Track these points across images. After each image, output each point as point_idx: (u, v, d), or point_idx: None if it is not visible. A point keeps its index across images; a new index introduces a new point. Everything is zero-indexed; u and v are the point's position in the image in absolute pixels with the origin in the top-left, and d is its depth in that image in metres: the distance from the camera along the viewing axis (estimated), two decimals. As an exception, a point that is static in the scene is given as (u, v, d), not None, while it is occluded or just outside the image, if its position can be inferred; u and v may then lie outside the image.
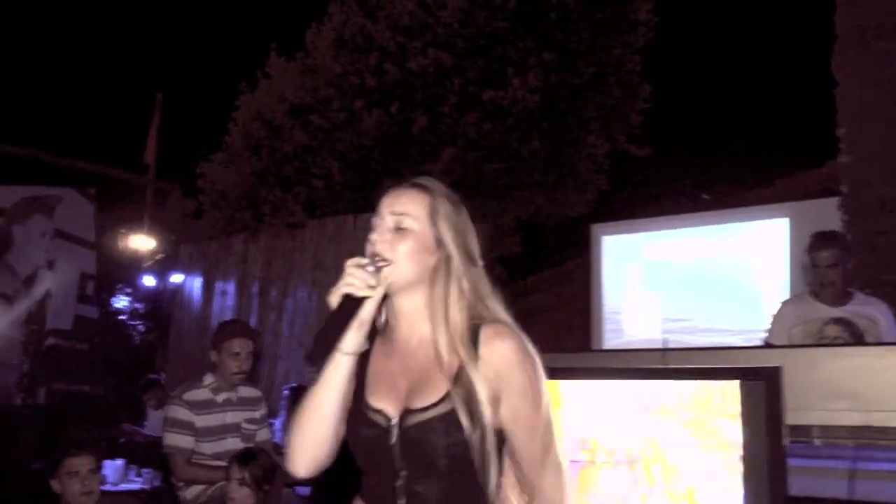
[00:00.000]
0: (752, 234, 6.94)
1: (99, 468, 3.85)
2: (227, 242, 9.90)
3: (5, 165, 9.62)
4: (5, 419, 7.73)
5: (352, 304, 1.75)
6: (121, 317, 10.14)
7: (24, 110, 12.28)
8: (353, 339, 1.76)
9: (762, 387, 2.55)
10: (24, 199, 8.22)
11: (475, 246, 1.89)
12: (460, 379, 1.77)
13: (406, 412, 1.78)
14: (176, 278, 10.11)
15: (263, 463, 3.71)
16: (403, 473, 1.76)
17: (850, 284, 4.25)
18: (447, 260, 1.84)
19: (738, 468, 2.52)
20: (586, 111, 10.40)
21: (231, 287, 9.62)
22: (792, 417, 2.58)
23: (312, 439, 1.77)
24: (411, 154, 9.28)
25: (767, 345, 4.26)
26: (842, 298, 4.20)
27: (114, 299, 10.04)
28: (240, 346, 4.44)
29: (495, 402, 1.77)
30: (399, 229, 1.82)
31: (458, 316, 1.82)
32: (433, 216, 1.84)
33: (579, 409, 2.83)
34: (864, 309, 4.18)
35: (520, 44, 9.90)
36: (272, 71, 10.50)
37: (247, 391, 4.60)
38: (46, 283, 8.14)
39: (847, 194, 5.96)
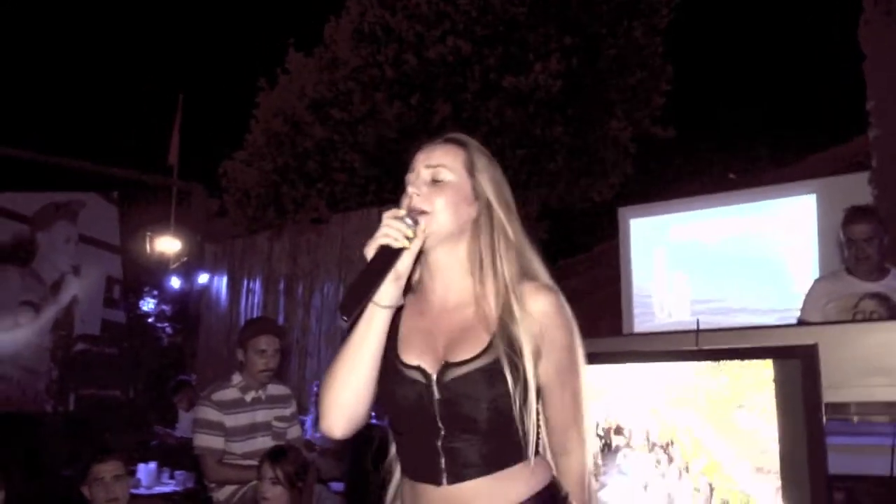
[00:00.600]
0: (779, 212, 6.82)
1: (130, 473, 3.82)
2: (251, 240, 9.87)
3: (27, 172, 9.66)
4: (36, 426, 7.75)
5: (388, 256, 1.68)
6: (148, 319, 10.13)
7: (46, 116, 12.33)
8: (389, 291, 1.69)
9: (798, 365, 2.49)
10: (47, 206, 8.23)
11: (512, 200, 1.84)
12: (503, 330, 1.71)
13: (445, 366, 1.71)
14: (202, 278, 10.10)
15: (295, 460, 3.65)
16: (443, 431, 1.70)
17: (885, 259, 4.14)
18: (488, 210, 1.79)
19: (767, 450, 2.46)
20: (609, 95, 10.26)
21: (257, 285, 9.58)
22: (828, 395, 2.50)
23: (347, 396, 1.71)
24: (434, 144, 9.16)
25: (801, 322, 4.14)
26: (878, 273, 4.08)
27: (141, 302, 10.03)
28: (266, 343, 4.38)
29: (537, 356, 1.72)
30: (436, 181, 1.77)
31: (508, 266, 1.77)
32: (470, 167, 1.80)
33: (611, 393, 2.79)
34: (901, 283, 4.07)
35: (540, 29, 9.77)
36: (291, 66, 10.45)
37: (276, 389, 4.55)
38: (73, 288, 8.15)
39: (877, 168, 5.84)
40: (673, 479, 2.68)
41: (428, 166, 1.78)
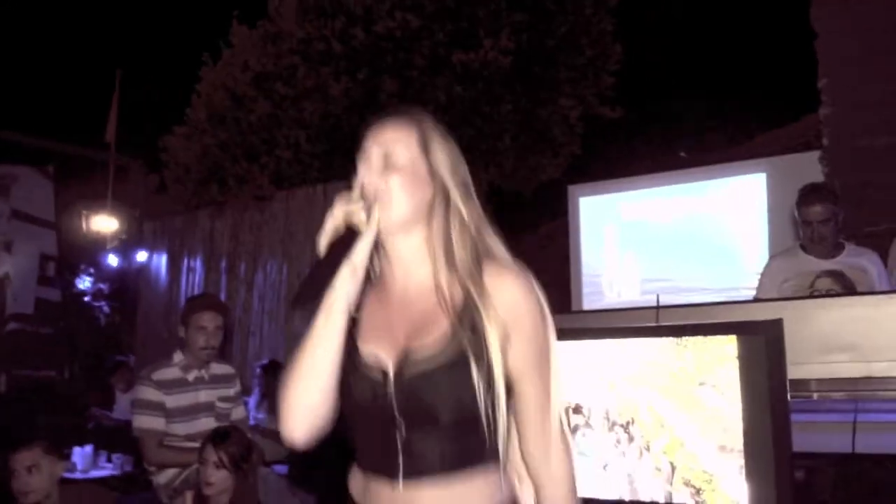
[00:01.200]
0: (729, 191, 6.86)
1: (62, 458, 3.64)
2: (192, 217, 9.66)
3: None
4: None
5: (341, 247, 1.57)
6: (85, 298, 9.86)
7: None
8: (345, 285, 1.56)
9: (762, 341, 2.44)
10: (-23, 179, 7.94)
11: (469, 177, 1.70)
12: (466, 319, 1.57)
13: (404, 359, 1.58)
14: (141, 256, 9.86)
15: (239, 442, 3.50)
16: (402, 429, 1.56)
17: (839, 235, 4.14)
18: (444, 192, 1.65)
19: (729, 428, 2.41)
20: (558, 73, 10.19)
21: (198, 263, 9.40)
22: (789, 372, 2.46)
23: (308, 401, 1.57)
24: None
25: (759, 300, 4.12)
26: (833, 250, 4.09)
27: (77, 280, 9.75)
28: (207, 319, 4.23)
29: (505, 345, 1.58)
30: (388, 164, 1.64)
31: (462, 252, 1.62)
32: (425, 145, 1.66)
33: (569, 371, 2.68)
34: (856, 260, 4.07)
35: (490, 4, 9.63)
36: (235, 40, 10.17)
37: (219, 368, 4.41)
38: (4, 265, 7.91)
39: (828, 147, 5.86)
40: (633, 459, 2.63)
41: (379, 147, 1.66)
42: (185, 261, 9.55)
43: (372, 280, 1.72)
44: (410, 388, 1.56)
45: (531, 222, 10.09)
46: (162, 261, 9.75)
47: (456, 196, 1.66)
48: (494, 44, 9.43)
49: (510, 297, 1.60)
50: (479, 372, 1.54)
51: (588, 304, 7.31)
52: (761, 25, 11.04)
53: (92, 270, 9.88)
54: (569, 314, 4.75)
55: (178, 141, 10.10)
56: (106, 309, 9.99)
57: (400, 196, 1.62)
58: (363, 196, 1.62)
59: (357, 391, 1.61)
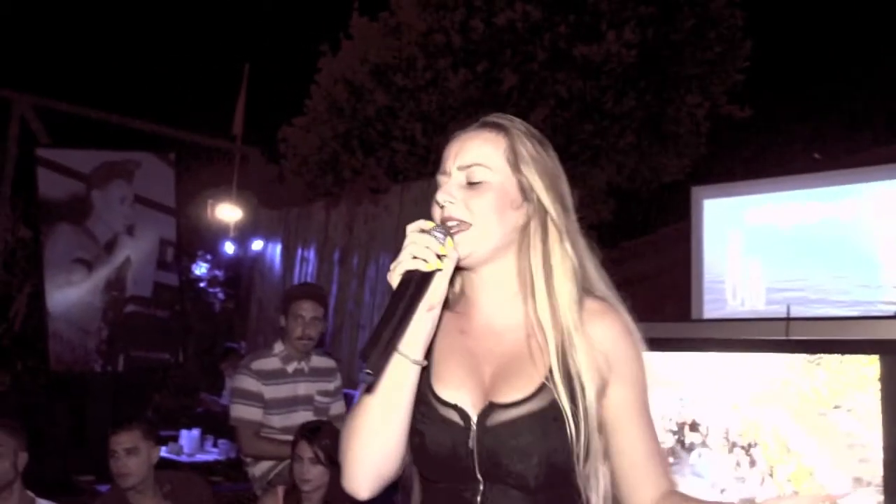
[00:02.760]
0: (868, 197, 6.40)
1: (160, 442, 3.62)
2: (308, 208, 9.72)
3: (86, 129, 9.60)
4: (84, 386, 7.71)
5: (416, 283, 1.32)
6: (200, 284, 10.06)
7: (109, 75, 12.30)
8: (418, 334, 1.33)
9: (907, 362, 2.16)
10: (103, 164, 8.12)
11: (569, 193, 1.46)
12: (561, 364, 1.36)
13: (490, 407, 1.37)
14: (256, 245, 10.00)
15: (331, 434, 3.37)
16: (482, 486, 1.37)
17: None
18: (541, 213, 1.42)
19: (867, 458, 2.13)
20: (685, 69, 9.83)
21: (311, 254, 9.45)
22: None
23: (372, 457, 1.39)
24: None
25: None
26: None
27: (193, 266, 9.96)
28: (305, 308, 4.12)
29: (601, 394, 1.38)
30: (472, 184, 1.41)
31: (565, 285, 1.39)
32: (514, 160, 1.42)
33: (686, 384, 2.50)
34: None
35: (614, -5, 9.40)
36: (355, 31, 10.20)
37: (320, 361, 4.32)
38: (126, 249, 8.04)
39: None
40: (754, 485, 2.39)
41: (461, 166, 1.44)
42: (300, 251, 9.62)
43: (450, 305, 1.51)
44: (494, 443, 1.37)
45: (649, 224, 9.76)
46: (277, 250, 9.86)
47: (554, 218, 1.43)
48: (618, 37, 9.16)
49: (611, 340, 1.41)
50: (576, 430, 1.35)
51: (709, 311, 6.96)
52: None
53: (209, 257, 10.07)
54: (689, 322, 4.48)
55: (296, 132, 10.22)
56: (220, 295, 10.18)
57: (486, 221, 1.41)
58: (442, 221, 1.41)
59: (432, 441, 1.40)
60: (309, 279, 9.32)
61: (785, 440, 2.34)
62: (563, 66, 9.21)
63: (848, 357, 2.26)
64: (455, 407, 1.40)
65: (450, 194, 1.42)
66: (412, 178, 9.11)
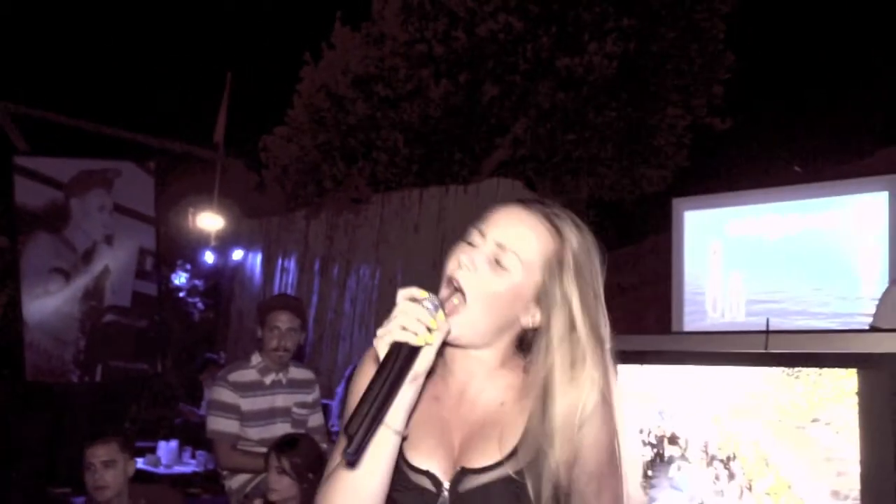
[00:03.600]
0: (847, 210, 6.43)
1: (129, 459, 3.57)
2: (288, 218, 9.69)
3: (64, 137, 9.53)
4: (61, 397, 7.63)
5: (404, 356, 1.28)
6: (180, 294, 10.00)
7: (89, 83, 12.23)
8: (402, 405, 1.30)
9: (886, 377, 2.15)
10: (82, 173, 8.06)
11: (601, 312, 1.40)
12: (533, 432, 1.33)
13: (461, 472, 1.35)
14: (237, 255, 9.95)
15: (306, 450, 3.37)
16: None
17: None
18: (548, 323, 1.36)
19: (845, 472, 2.12)
20: (666, 81, 9.86)
21: (292, 264, 9.41)
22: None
23: None
24: (480, 125, 8.86)
25: (881, 329, 3.76)
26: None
27: (173, 276, 9.89)
28: (280, 319, 4.08)
29: (571, 463, 1.34)
30: (497, 264, 1.35)
31: (559, 405, 1.36)
32: (553, 270, 1.37)
33: (666, 397, 2.48)
34: None
35: (596, 8, 9.38)
36: (337, 41, 10.19)
37: (298, 373, 4.27)
38: (105, 258, 7.98)
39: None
40: (733, 498, 2.37)
41: (499, 242, 1.38)
42: (280, 261, 9.59)
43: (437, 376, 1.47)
44: (467, 502, 1.34)
45: (631, 235, 9.78)
46: (257, 260, 9.82)
47: (561, 330, 1.37)
48: (600, 48, 9.17)
49: (588, 412, 1.35)
50: (540, 492, 1.32)
51: (689, 323, 6.96)
52: (883, 33, 10.46)
53: (189, 267, 10.01)
54: (669, 335, 4.48)
55: (277, 141, 10.19)
56: (200, 305, 10.11)
57: (483, 306, 1.37)
58: (449, 280, 1.38)
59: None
60: (289, 289, 9.28)
61: (764, 453, 2.33)
62: (544, 77, 9.22)
63: (826, 370, 2.25)
64: (427, 473, 1.38)
65: (473, 262, 1.37)
66: (393, 188, 9.10)
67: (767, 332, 2.67)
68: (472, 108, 9.07)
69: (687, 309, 7.09)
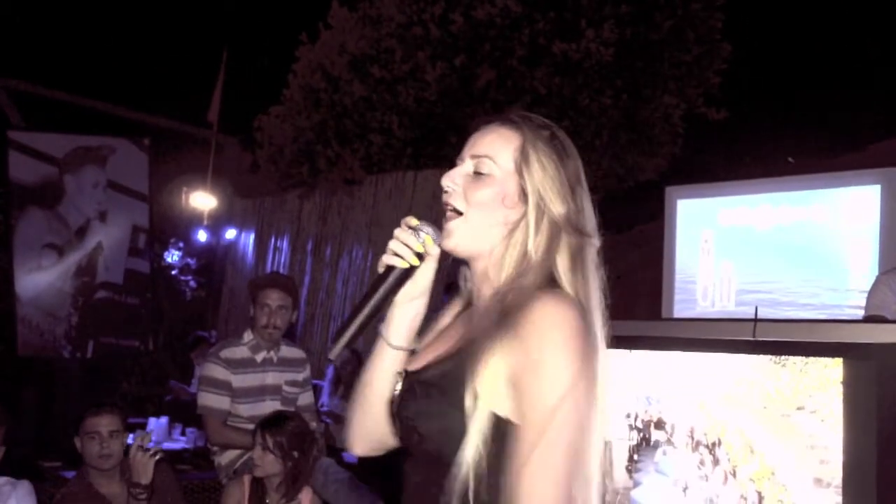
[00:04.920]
0: (839, 202, 6.46)
1: (128, 429, 3.64)
2: (281, 198, 9.70)
3: (60, 113, 9.50)
4: (52, 372, 7.64)
5: (395, 277, 1.46)
6: (172, 272, 10.01)
7: (85, 59, 12.16)
8: (400, 322, 1.48)
9: (872, 367, 2.17)
10: (77, 149, 8.03)
11: (582, 206, 1.46)
12: (479, 339, 1.34)
13: (407, 372, 1.47)
14: (230, 234, 9.95)
15: (293, 428, 3.43)
16: (407, 454, 1.46)
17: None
18: (535, 216, 1.42)
19: (828, 460, 2.14)
20: (662, 69, 9.83)
21: (285, 244, 9.43)
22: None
23: (366, 425, 1.56)
24: (476, 109, 8.83)
25: (876, 319, 3.79)
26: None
27: (165, 254, 9.90)
28: (271, 297, 4.13)
29: (513, 385, 1.31)
30: (478, 174, 1.45)
31: (527, 281, 1.38)
32: (522, 161, 1.44)
33: (653, 383, 2.52)
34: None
35: (594, -6, 9.37)
36: (334, 21, 10.14)
37: (289, 351, 4.32)
38: (98, 235, 7.96)
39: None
40: (717, 484, 2.40)
41: (473, 155, 1.49)
42: (273, 240, 9.61)
43: (470, 301, 1.58)
44: (401, 402, 1.46)
45: (623, 222, 9.78)
46: (250, 239, 9.83)
47: (547, 221, 1.44)
48: (597, 35, 9.13)
49: (530, 322, 1.32)
50: (462, 396, 1.31)
51: (679, 311, 7.00)
52: (878, 24, 10.46)
53: (181, 245, 10.01)
54: (658, 321, 4.51)
55: (272, 121, 10.15)
56: (192, 284, 10.13)
57: (476, 213, 1.46)
58: (443, 205, 1.49)
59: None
60: (281, 269, 9.31)
61: (749, 440, 2.35)
62: (541, 62, 9.20)
63: (812, 359, 2.28)
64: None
65: (453, 181, 1.49)
66: (387, 170, 9.09)
67: (756, 320, 2.70)
68: (468, 92, 9.05)
69: (677, 297, 7.13)
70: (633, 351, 2.59)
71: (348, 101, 9.52)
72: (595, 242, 1.49)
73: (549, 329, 1.31)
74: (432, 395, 1.38)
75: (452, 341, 1.47)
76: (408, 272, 1.44)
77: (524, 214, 1.45)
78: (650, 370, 2.53)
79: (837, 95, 10.09)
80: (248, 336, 4.19)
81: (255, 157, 10.65)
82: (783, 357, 2.33)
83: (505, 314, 1.35)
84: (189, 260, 10.06)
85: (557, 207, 1.44)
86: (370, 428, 1.54)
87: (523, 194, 1.45)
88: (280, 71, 10.52)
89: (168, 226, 9.80)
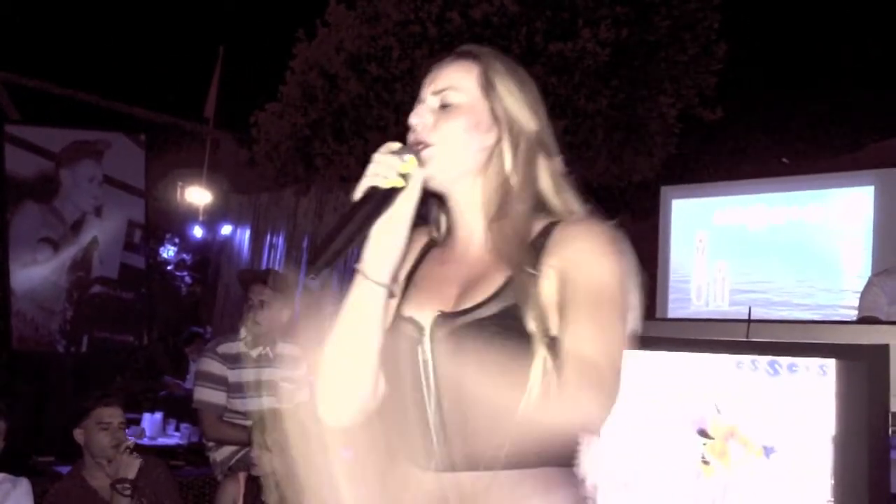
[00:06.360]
0: (833, 203, 6.49)
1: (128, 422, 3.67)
2: (278, 194, 9.68)
3: (56, 107, 9.49)
4: (46, 366, 7.63)
5: (377, 199, 1.35)
6: (167, 267, 10.00)
7: (81, 53, 12.15)
8: (380, 255, 1.36)
9: (864, 367, 2.19)
10: (73, 143, 8.01)
11: (547, 125, 1.47)
12: (520, 276, 1.35)
13: (440, 317, 1.36)
14: (225, 230, 9.95)
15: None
16: (434, 399, 1.36)
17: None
18: (510, 136, 1.42)
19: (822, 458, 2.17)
20: (658, 69, 9.85)
21: (280, 240, 9.41)
22: (892, 404, 2.25)
23: (344, 382, 1.39)
24: (472, 108, 8.84)
25: (868, 320, 3.82)
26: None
27: (161, 249, 9.89)
28: (254, 292, 4.15)
29: (561, 307, 1.33)
30: (444, 106, 1.42)
31: (520, 206, 1.40)
32: (486, 84, 1.44)
33: (648, 382, 2.50)
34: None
35: (591, -7, 9.38)
36: (331, 19, 10.14)
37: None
38: (94, 229, 7.95)
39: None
40: (711, 481, 2.41)
41: (434, 91, 1.46)
42: (269, 237, 9.59)
43: (438, 241, 1.55)
44: (449, 343, 1.36)
45: (619, 221, 9.81)
46: (245, 235, 9.82)
47: (522, 141, 1.45)
48: (593, 35, 9.14)
49: (572, 246, 1.38)
50: (526, 334, 1.32)
51: (673, 310, 7.02)
52: (874, 26, 10.50)
53: (177, 240, 10.01)
54: (651, 321, 4.51)
55: (269, 117, 10.14)
56: (188, 279, 10.13)
57: (453, 141, 1.43)
58: (414, 143, 1.43)
59: (388, 356, 1.40)
60: (277, 265, 9.30)
61: (743, 438, 2.38)
62: (537, 61, 9.20)
63: (804, 359, 2.30)
64: (410, 320, 1.41)
65: (421, 116, 1.45)
66: (384, 167, 9.07)
67: (749, 321, 2.71)
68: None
69: (671, 296, 7.15)
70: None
71: (345, 99, 9.52)
72: (561, 165, 1.51)
73: (597, 257, 1.40)
74: (483, 334, 1.33)
75: (467, 278, 1.43)
76: (389, 195, 1.35)
77: (499, 139, 1.45)
78: (643, 369, 2.52)
79: (832, 97, 10.13)
80: (243, 332, 4.21)
81: (251, 153, 10.64)
82: (776, 368, 2.35)
83: (523, 242, 1.39)
84: (184, 255, 10.06)
85: (531, 125, 1.46)
86: (352, 388, 1.39)
87: (494, 118, 1.45)
88: (277, 67, 10.52)
89: (164, 221, 9.79)
